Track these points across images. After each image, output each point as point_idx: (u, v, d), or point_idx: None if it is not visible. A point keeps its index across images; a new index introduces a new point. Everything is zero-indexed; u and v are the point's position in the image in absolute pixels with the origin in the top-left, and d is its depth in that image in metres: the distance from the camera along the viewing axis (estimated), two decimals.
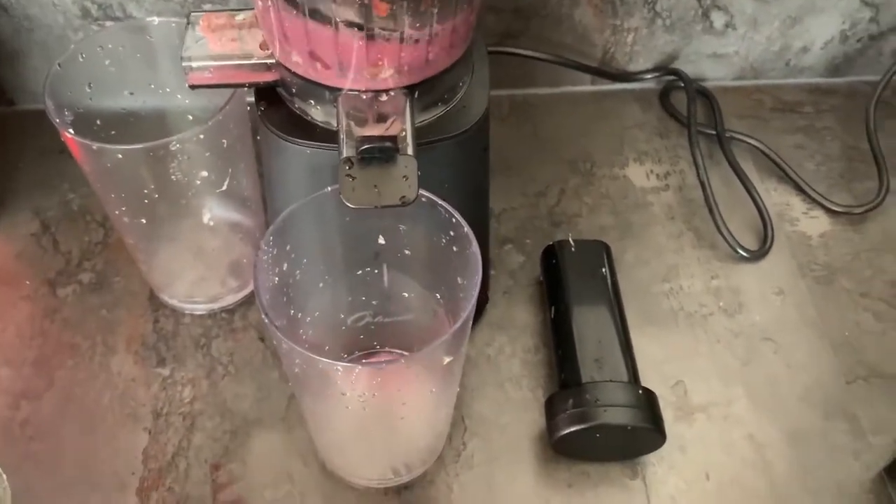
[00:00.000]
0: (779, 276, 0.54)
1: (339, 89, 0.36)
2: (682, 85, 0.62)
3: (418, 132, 0.36)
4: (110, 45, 0.43)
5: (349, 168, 0.33)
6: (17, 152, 0.59)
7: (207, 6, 0.56)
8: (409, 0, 0.31)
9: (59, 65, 0.41)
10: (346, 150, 0.33)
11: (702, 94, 0.63)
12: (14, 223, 0.55)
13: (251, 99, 0.40)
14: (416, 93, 0.36)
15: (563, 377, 0.45)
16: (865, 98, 0.59)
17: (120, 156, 0.39)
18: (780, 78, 0.65)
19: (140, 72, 0.45)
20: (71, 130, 0.39)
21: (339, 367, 0.32)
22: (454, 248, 0.38)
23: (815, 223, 0.56)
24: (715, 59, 0.63)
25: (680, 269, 0.54)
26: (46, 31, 0.57)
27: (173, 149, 0.39)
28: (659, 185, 0.58)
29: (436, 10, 0.32)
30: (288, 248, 0.37)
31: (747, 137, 0.60)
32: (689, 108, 0.60)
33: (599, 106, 0.64)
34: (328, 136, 0.38)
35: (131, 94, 0.45)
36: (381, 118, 0.35)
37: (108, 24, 0.56)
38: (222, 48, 0.37)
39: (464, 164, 0.41)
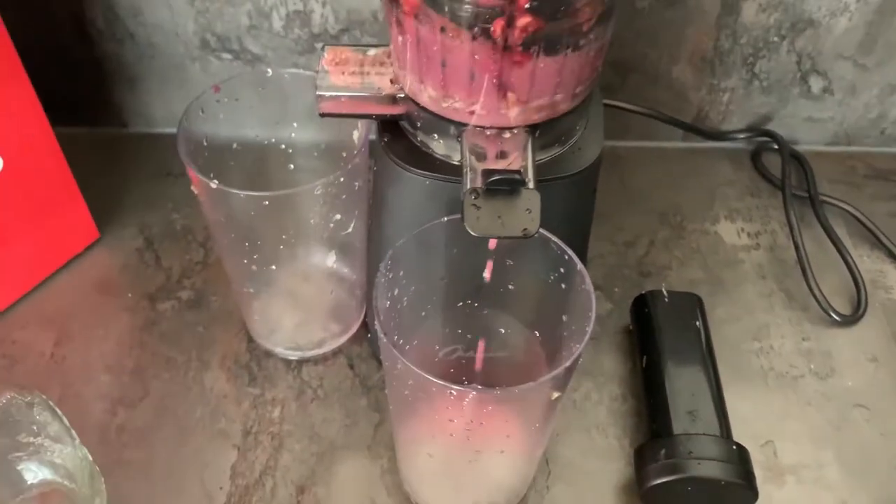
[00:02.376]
0: (872, 342, 0.53)
1: (465, 125, 0.37)
2: (775, 146, 0.63)
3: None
4: (241, 91, 0.45)
5: (475, 198, 0.34)
6: (127, 172, 0.62)
7: (319, 44, 0.58)
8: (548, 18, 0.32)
9: (201, 110, 0.43)
10: (472, 181, 0.35)
11: (795, 157, 0.63)
12: (121, 237, 0.57)
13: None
14: (538, 132, 0.37)
15: (655, 427, 0.45)
16: None
17: (266, 202, 0.40)
18: (874, 146, 0.65)
19: (266, 112, 0.47)
20: (215, 182, 0.40)
21: (453, 391, 0.32)
22: (562, 286, 0.38)
23: None
24: (810, 123, 0.63)
25: (771, 329, 0.53)
26: (166, 60, 0.60)
27: (317, 193, 0.41)
28: (750, 244, 0.58)
29: (569, 38, 0.33)
30: (401, 273, 0.38)
31: (840, 202, 0.60)
32: (783, 170, 0.60)
33: (690, 162, 0.64)
34: (447, 169, 0.39)
35: (256, 135, 0.47)
36: (502, 155, 0.36)
37: (226, 56, 0.59)
38: (354, 80, 0.39)
39: (573, 205, 0.42)
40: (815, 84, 0.61)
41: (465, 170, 0.36)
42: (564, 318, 0.39)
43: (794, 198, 0.59)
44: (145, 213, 0.59)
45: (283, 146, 0.49)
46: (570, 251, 0.37)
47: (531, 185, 0.35)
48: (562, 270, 0.38)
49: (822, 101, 0.62)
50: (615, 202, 0.61)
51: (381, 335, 0.34)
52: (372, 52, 0.40)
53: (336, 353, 0.51)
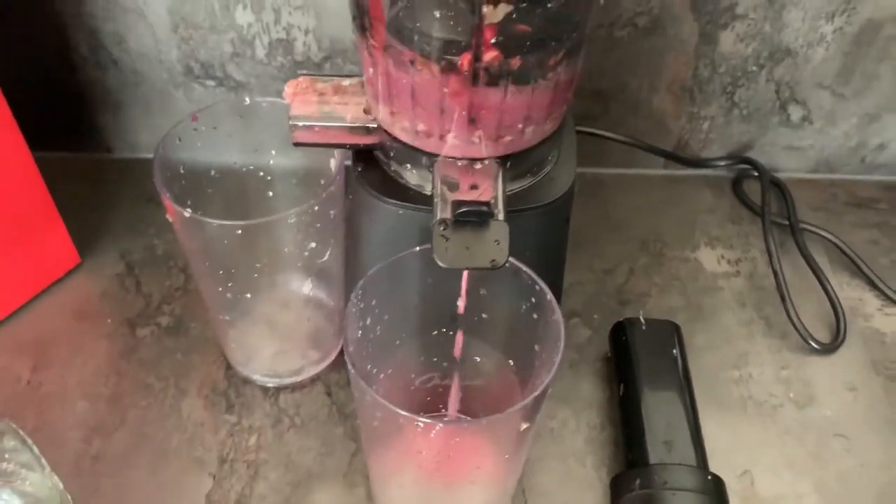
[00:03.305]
0: (851, 371, 0.53)
1: (437, 155, 0.37)
2: (756, 174, 0.63)
3: (506, 201, 0.37)
4: (219, 119, 0.46)
5: (443, 229, 0.34)
6: (109, 197, 0.62)
7: (303, 71, 0.59)
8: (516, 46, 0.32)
9: (178, 139, 0.44)
10: (442, 212, 0.35)
11: (775, 184, 0.63)
12: (101, 263, 0.57)
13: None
14: (509, 163, 0.38)
15: (631, 457, 0.45)
16: None
17: (239, 231, 0.40)
18: (854, 173, 0.65)
19: (245, 139, 0.47)
20: (188, 211, 0.40)
21: (419, 423, 0.32)
22: (534, 315, 0.38)
23: (890, 321, 0.56)
24: (789, 152, 0.64)
25: (750, 357, 0.53)
26: (150, 87, 0.60)
27: (291, 221, 0.41)
28: (730, 271, 0.58)
29: (536, 68, 0.34)
30: (373, 302, 0.38)
31: (820, 230, 0.60)
32: (763, 198, 0.60)
33: (671, 189, 0.64)
34: (419, 199, 0.39)
35: (235, 162, 0.48)
36: (474, 185, 0.37)
37: (209, 83, 0.60)
38: (328, 110, 0.39)
39: (545, 235, 0.42)
40: (795, 113, 0.61)
41: (435, 200, 0.36)
42: (536, 347, 0.39)
43: (774, 225, 0.59)
44: (127, 239, 0.59)
45: (262, 173, 0.49)
46: (540, 282, 0.37)
47: (501, 216, 0.35)
48: (533, 300, 0.38)
49: (802, 129, 0.62)
50: (595, 229, 0.61)
51: (350, 367, 0.34)
52: (347, 81, 0.41)
53: (314, 380, 0.51)
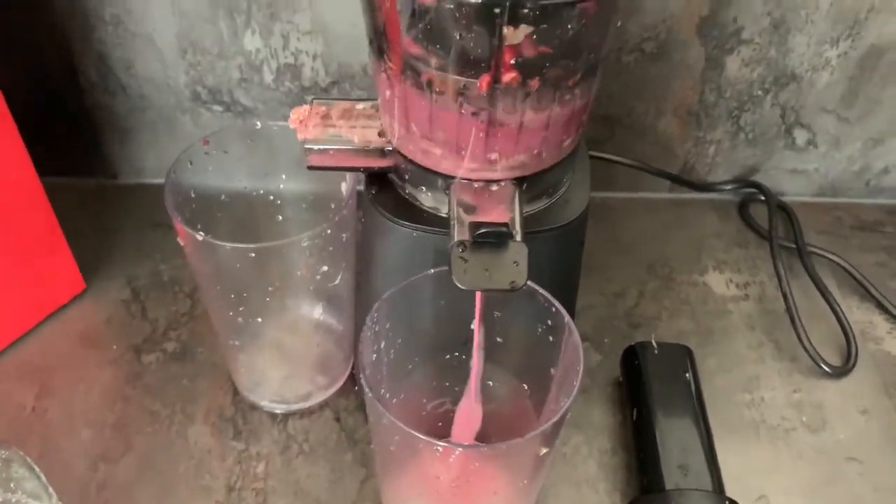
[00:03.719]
0: (863, 394, 0.52)
1: (453, 177, 0.37)
2: (762, 198, 0.63)
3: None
4: (230, 143, 0.46)
5: (462, 251, 0.34)
6: (115, 222, 0.61)
7: (310, 97, 0.59)
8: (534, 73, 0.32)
9: (189, 163, 0.44)
10: (459, 234, 0.35)
11: (781, 208, 0.63)
12: (107, 289, 0.57)
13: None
14: (525, 185, 0.38)
15: (646, 482, 0.44)
16: None
17: (252, 254, 0.40)
18: (859, 197, 0.65)
19: (255, 163, 0.47)
20: (201, 234, 0.40)
21: (438, 447, 0.32)
22: (550, 338, 0.38)
23: None
24: (795, 175, 0.64)
25: (761, 380, 0.53)
26: (158, 112, 0.60)
27: (304, 245, 0.41)
28: (739, 295, 0.58)
29: (554, 92, 0.34)
30: (388, 325, 0.38)
31: (828, 253, 0.60)
32: (770, 221, 0.60)
33: (677, 213, 0.65)
34: (434, 221, 0.39)
35: (245, 186, 0.48)
36: (490, 207, 0.37)
37: (216, 108, 0.60)
38: (342, 133, 0.39)
39: (560, 257, 0.41)
40: (800, 137, 0.61)
41: (452, 222, 0.36)
42: (552, 370, 0.38)
43: (781, 249, 0.59)
44: (133, 265, 0.59)
45: (272, 197, 0.49)
46: (557, 304, 0.36)
47: (518, 237, 0.35)
48: (549, 323, 0.37)
49: (807, 153, 0.62)
50: (604, 253, 0.61)
51: (366, 390, 0.33)
52: (361, 105, 0.41)
53: (323, 406, 0.51)
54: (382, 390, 0.40)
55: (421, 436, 0.31)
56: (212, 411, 0.50)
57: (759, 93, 0.59)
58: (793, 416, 0.51)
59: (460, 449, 0.33)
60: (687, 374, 0.48)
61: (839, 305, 0.56)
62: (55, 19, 0.55)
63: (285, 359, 0.51)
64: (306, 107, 0.41)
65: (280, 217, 0.49)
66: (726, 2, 0.54)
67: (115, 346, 0.54)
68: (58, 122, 0.61)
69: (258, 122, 0.46)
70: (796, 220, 0.62)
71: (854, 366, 0.53)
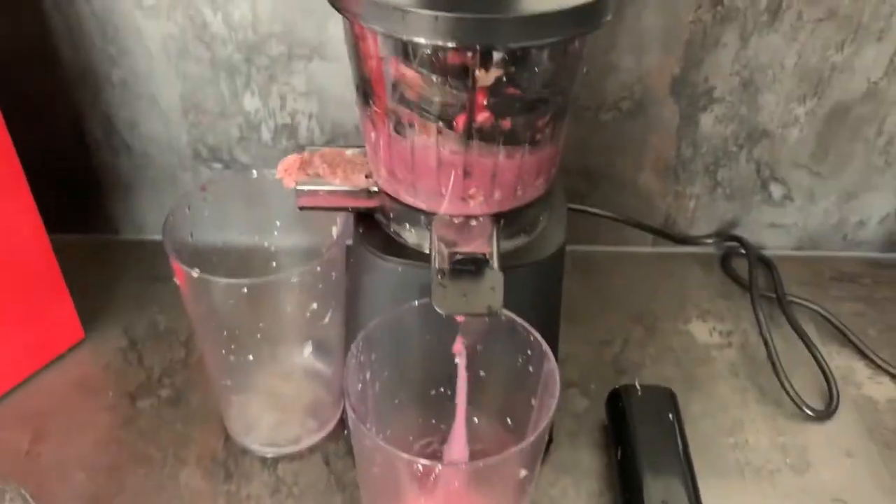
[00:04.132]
0: (847, 437, 0.53)
1: (434, 214, 0.39)
2: (743, 251, 0.65)
3: (502, 258, 0.39)
4: (227, 191, 0.48)
5: (442, 278, 0.36)
6: (115, 276, 0.63)
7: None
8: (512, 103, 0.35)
9: (188, 207, 0.46)
10: (440, 264, 0.36)
11: (762, 261, 0.65)
12: (105, 338, 0.59)
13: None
14: (503, 221, 0.40)
15: None
16: None
17: (245, 290, 0.42)
18: (838, 250, 0.67)
19: (251, 212, 0.49)
20: (197, 271, 0.42)
21: (419, 465, 0.33)
22: (530, 368, 0.39)
23: (882, 388, 0.56)
24: (774, 229, 0.66)
25: (745, 424, 0.54)
26: (160, 170, 0.63)
27: (294, 281, 0.42)
28: (722, 342, 0.60)
29: (527, 131, 0.36)
30: (373, 357, 0.39)
31: (808, 303, 0.61)
32: (750, 273, 0.62)
33: (660, 266, 0.67)
34: (418, 257, 0.41)
35: (240, 234, 0.50)
36: (469, 241, 0.39)
37: (216, 165, 0.63)
38: (332, 176, 0.42)
39: (540, 292, 0.43)
40: (776, 191, 0.64)
41: (433, 253, 0.38)
42: (533, 401, 0.40)
43: (762, 298, 0.61)
44: (131, 315, 0.60)
45: (267, 244, 0.51)
46: (534, 332, 0.38)
47: (495, 265, 0.37)
48: (528, 353, 0.39)
49: (784, 207, 0.65)
50: (588, 303, 0.62)
51: (349, 411, 0.34)
52: (350, 151, 0.43)
53: (312, 449, 0.51)
54: (368, 424, 0.41)
55: (402, 453, 0.32)
56: (204, 455, 0.51)
57: (734, 148, 0.62)
58: (777, 459, 0.52)
59: (440, 466, 0.34)
60: (670, 416, 0.49)
61: (820, 352, 0.57)
62: (66, 84, 0.59)
63: (276, 400, 0.52)
64: (295, 156, 0.44)
65: (274, 264, 0.51)
66: (697, 62, 0.57)
67: (110, 392, 0.55)
68: (65, 181, 0.63)
69: (255, 171, 0.48)
70: (776, 273, 0.64)
71: (836, 409, 0.54)
